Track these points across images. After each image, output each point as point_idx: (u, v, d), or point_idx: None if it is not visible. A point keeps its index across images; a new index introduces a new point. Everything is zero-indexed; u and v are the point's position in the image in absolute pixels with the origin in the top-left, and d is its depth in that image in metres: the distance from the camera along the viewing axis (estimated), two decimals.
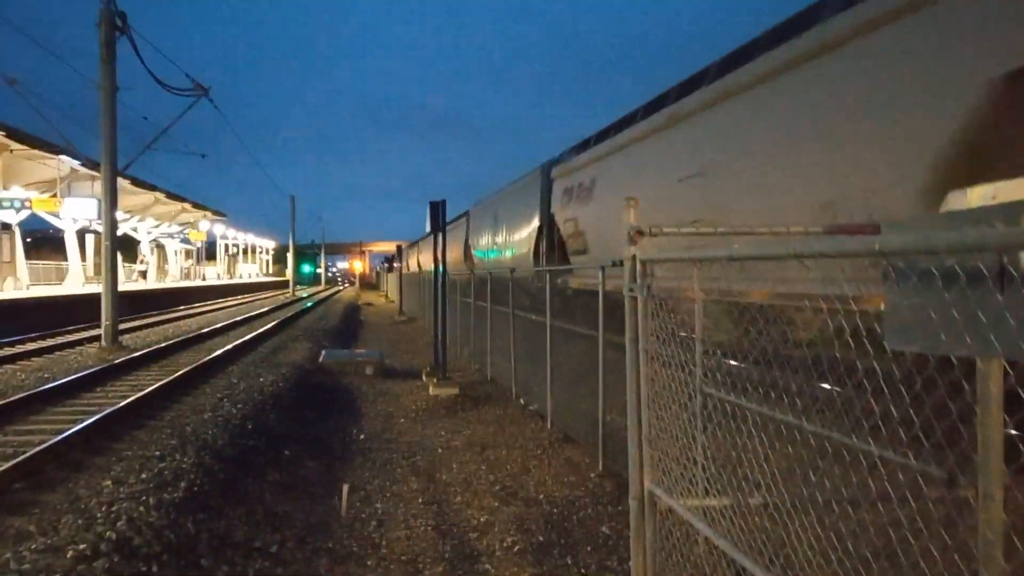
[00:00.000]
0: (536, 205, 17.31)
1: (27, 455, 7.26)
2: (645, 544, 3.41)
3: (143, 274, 54.32)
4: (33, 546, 4.92)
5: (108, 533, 5.11)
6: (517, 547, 6.02)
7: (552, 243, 16.09)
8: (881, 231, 2.60)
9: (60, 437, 8.05)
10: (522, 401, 11.66)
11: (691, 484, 3.16)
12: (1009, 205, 1.85)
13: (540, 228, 17.19)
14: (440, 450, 9.14)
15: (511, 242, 20.14)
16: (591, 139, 14.94)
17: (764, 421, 2.84)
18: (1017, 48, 4.96)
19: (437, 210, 14.15)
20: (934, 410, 2.02)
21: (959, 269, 1.78)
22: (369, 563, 5.75)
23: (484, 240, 23.60)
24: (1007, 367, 1.93)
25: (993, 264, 1.70)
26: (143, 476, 6.66)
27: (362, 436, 9.93)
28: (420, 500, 7.23)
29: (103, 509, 5.68)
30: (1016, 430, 1.99)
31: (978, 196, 3.22)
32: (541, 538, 6.17)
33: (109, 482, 6.54)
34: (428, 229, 14.33)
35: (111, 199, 19.44)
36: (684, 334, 3.44)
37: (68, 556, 4.70)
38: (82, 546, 4.85)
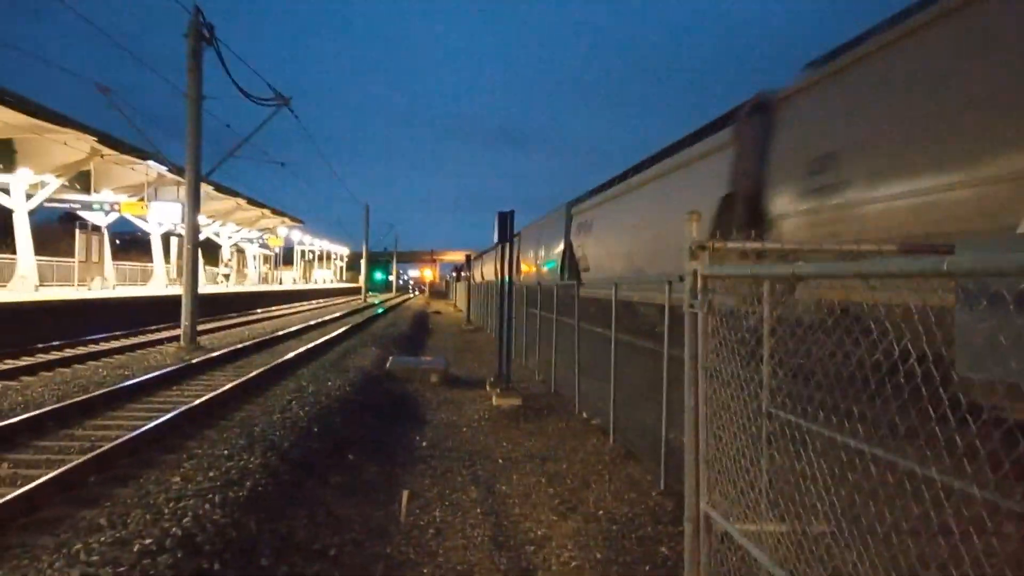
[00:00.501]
0: (562, 233, 22.97)
1: (103, 450, 7.53)
2: (699, 568, 3.32)
3: (227, 277, 56.04)
4: (102, 538, 5.08)
5: (174, 529, 5.25)
6: (574, 563, 5.94)
7: (572, 263, 21.52)
8: (955, 251, 2.49)
9: (135, 433, 8.34)
10: (585, 415, 11.56)
11: (747, 509, 3.06)
12: None
13: (564, 251, 22.65)
14: (500, 461, 9.13)
15: (547, 259, 25.99)
16: (594, 190, 21.10)
17: (830, 445, 2.73)
18: (730, 180, 10.55)
19: (505, 221, 14.19)
20: (1007, 439, 1.90)
21: None
22: (425, 571, 5.76)
23: (530, 256, 29.56)
24: None
25: None
26: (211, 474, 6.83)
27: (424, 443, 10.00)
28: (479, 510, 7.23)
29: (170, 505, 5.84)
30: None
31: None
32: (599, 555, 6.09)
33: (178, 479, 6.73)
34: (495, 240, 14.43)
35: (194, 204, 20.14)
36: (747, 351, 3.34)
37: (135, 550, 4.85)
38: (148, 540, 4.99)
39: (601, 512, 7.13)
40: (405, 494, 7.34)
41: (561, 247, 23.16)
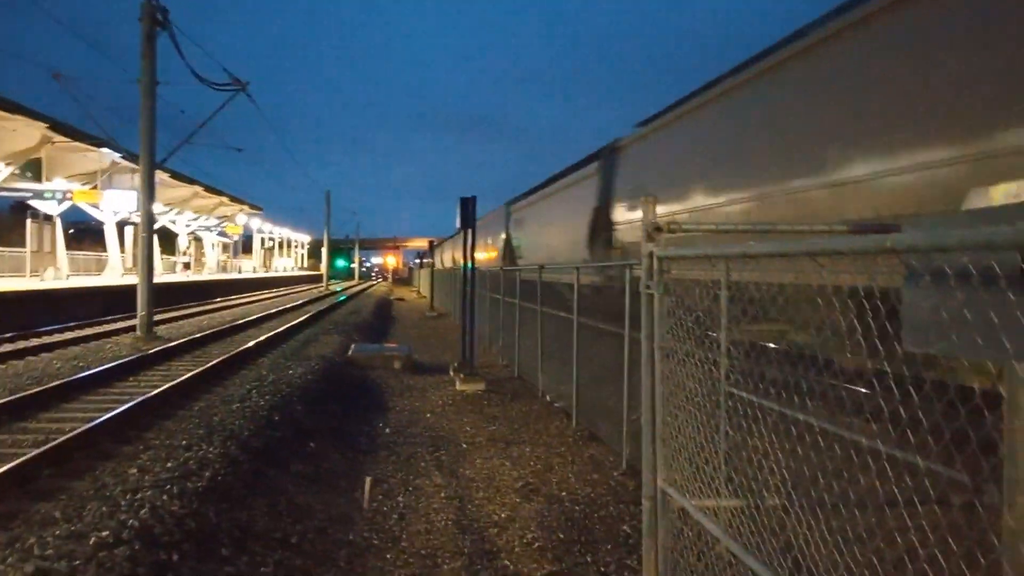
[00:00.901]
0: (503, 227, 28.04)
1: (57, 442, 7.39)
2: (657, 544, 3.36)
3: (186, 266, 55.00)
4: (57, 532, 4.99)
5: (131, 521, 5.17)
6: (537, 544, 5.99)
7: (511, 252, 26.22)
8: (901, 230, 2.53)
9: (90, 425, 8.19)
10: (548, 398, 11.62)
11: (703, 485, 3.11)
12: None
13: (506, 241, 27.59)
14: (464, 445, 9.14)
15: (492, 248, 30.93)
16: (525, 193, 26.21)
17: (786, 421, 2.78)
18: (596, 197, 15.54)
19: (467, 206, 14.15)
20: (948, 412, 1.95)
21: (972, 268, 1.72)
22: (388, 556, 5.76)
23: (484, 244, 33.52)
24: None
25: (1008, 264, 1.64)
26: (168, 465, 6.74)
27: (387, 430, 9.97)
28: (442, 495, 7.24)
29: (127, 497, 5.75)
30: None
31: (1001, 193, 3.13)
32: (561, 535, 6.14)
33: (135, 470, 6.63)
34: (458, 226, 14.43)
35: (148, 191, 19.75)
36: (703, 330, 3.38)
37: (90, 543, 4.77)
38: (104, 533, 4.91)
39: (564, 493, 7.19)
40: (368, 481, 7.31)
41: (503, 238, 28.30)
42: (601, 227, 14.85)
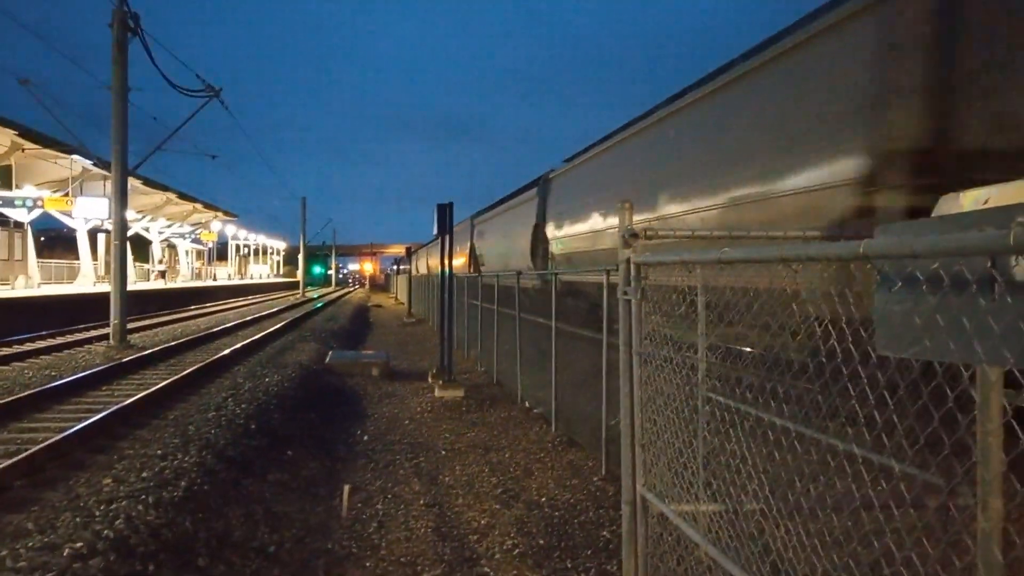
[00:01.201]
0: (468, 238, 31.10)
1: (29, 452, 7.28)
2: (637, 548, 3.38)
3: (162, 274, 54.33)
4: (30, 544, 4.92)
5: (105, 532, 5.10)
6: (517, 550, 5.98)
7: (475, 260, 29.72)
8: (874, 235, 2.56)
9: (63, 435, 8.07)
10: (527, 404, 11.62)
11: (682, 490, 3.13)
12: (999, 209, 1.81)
13: (471, 250, 30.91)
14: (443, 452, 9.12)
15: (461, 254, 33.01)
16: (485, 208, 30.41)
17: (762, 425, 2.80)
18: (536, 216, 19.54)
19: (444, 213, 14.14)
20: (921, 415, 1.98)
21: (943, 274, 1.75)
22: (367, 564, 5.73)
23: (456, 251, 35.98)
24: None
25: (978, 269, 1.67)
26: (144, 475, 6.66)
27: (366, 437, 9.92)
28: (422, 502, 7.21)
29: (102, 508, 5.68)
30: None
31: (970, 200, 3.20)
32: (542, 541, 6.14)
33: (109, 480, 6.55)
34: (435, 232, 14.44)
35: (120, 199, 19.55)
36: (677, 335, 3.40)
37: (64, 554, 4.70)
38: (79, 544, 4.84)
39: (544, 499, 7.19)
40: (346, 488, 7.27)
41: (469, 246, 31.60)
42: (540, 241, 18.75)
